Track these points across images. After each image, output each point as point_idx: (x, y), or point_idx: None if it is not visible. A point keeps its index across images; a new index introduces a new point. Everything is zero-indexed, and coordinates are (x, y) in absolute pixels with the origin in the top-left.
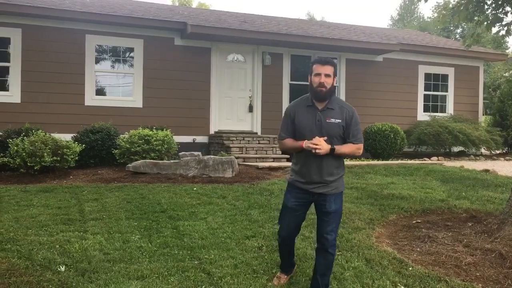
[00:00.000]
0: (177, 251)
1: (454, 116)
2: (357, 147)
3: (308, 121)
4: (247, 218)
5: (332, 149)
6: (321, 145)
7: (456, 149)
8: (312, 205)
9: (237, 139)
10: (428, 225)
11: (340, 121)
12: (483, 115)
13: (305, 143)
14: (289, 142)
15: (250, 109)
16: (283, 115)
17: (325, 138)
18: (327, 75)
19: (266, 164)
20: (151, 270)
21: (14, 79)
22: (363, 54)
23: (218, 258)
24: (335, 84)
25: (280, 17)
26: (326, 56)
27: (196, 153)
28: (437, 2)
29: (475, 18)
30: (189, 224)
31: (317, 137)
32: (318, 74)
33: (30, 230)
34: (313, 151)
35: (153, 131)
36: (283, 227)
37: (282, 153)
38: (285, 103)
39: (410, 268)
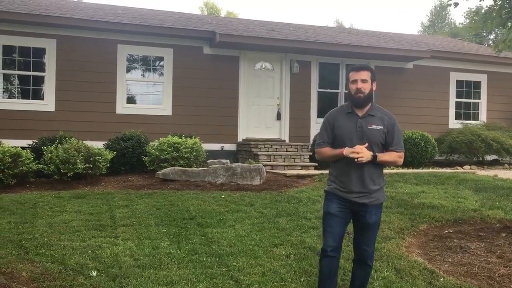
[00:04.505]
0: (206, 258)
1: (487, 123)
2: (399, 155)
3: (348, 128)
4: (275, 226)
5: (374, 157)
6: (363, 152)
7: (489, 157)
8: None
9: (265, 147)
10: (460, 235)
11: (382, 127)
12: None
13: (346, 151)
14: (328, 150)
15: (278, 117)
16: (311, 121)
17: (366, 144)
18: (363, 81)
19: (294, 172)
20: (180, 277)
21: (49, 88)
22: (392, 61)
23: (246, 265)
24: (374, 89)
25: (308, 25)
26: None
27: (224, 160)
28: (469, 8)
29: (508, 24)
30: (217, 231)
31: (358, 145)
32: (355, 81)
33: (63, 236)
34: (356, 159)
35: (182, 138)
36: (329, 235)
37: (311, 161)
38: (313, 111)
39: (442, 279)
